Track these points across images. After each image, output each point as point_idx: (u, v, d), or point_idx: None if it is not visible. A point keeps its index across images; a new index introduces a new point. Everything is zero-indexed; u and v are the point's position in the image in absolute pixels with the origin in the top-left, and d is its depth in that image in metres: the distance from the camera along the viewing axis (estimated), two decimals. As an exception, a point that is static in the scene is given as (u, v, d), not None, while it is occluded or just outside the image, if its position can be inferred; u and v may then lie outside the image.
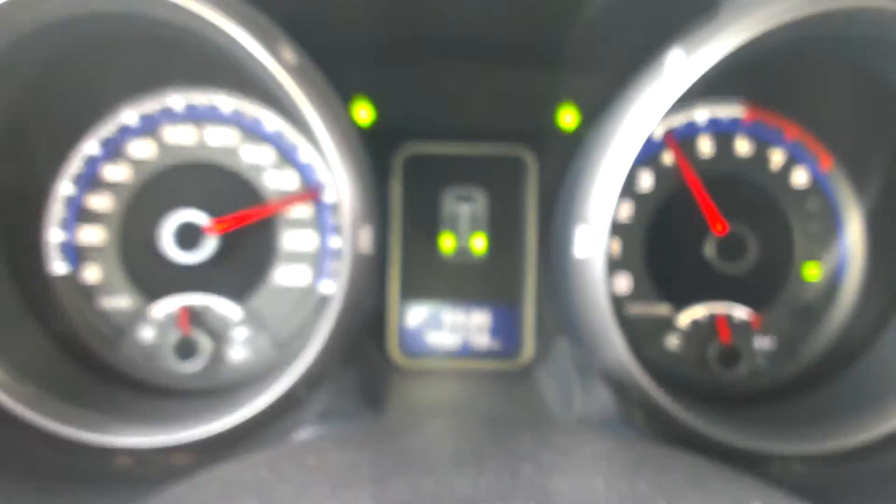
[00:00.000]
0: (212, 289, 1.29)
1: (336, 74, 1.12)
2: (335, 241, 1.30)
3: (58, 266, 1.27)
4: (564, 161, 1.33)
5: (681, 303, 1.33)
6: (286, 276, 1.31)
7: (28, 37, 1.03)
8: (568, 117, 1.36)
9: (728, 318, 1.31)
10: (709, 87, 1.02)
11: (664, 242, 1.32)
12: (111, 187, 1.28)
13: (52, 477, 1.05)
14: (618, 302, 1.32)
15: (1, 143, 1.15)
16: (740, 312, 1.32)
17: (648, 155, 1.32)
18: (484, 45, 1.33)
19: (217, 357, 1.28)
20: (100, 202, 1.28)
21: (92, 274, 1.28)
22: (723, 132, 1.33)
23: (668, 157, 1.32)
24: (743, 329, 1.31)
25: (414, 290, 1.40)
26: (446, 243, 1.40)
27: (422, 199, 1.41)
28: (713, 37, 0.98)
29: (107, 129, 1.27)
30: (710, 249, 1.30)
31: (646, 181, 1.32)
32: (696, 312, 1.32)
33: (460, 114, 1.41)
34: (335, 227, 1.30)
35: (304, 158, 1.30)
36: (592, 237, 1.05)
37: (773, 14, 0.95)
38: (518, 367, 1.40)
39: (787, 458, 1.08)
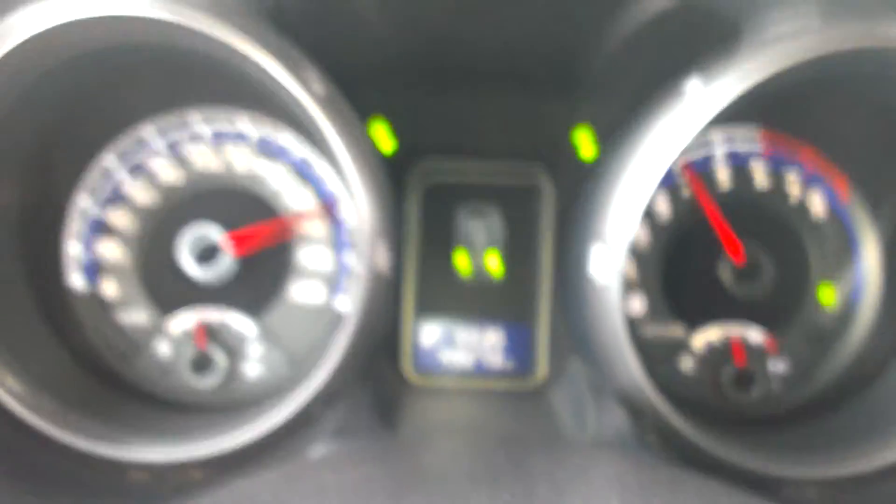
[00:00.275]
0: (228, 305, 1.30)
1: (357, 96, 1.13)
2: (350, 259, 1.31)
3: (76, 280, 1.28)
4: (580, 182, 1.33)
5: (695, 325, 1.32)
6: (302, 292, 1.31)
7: (62, 65, 1.06)
8: (583, 141, 1.37)
9: (743, 341, 1.31)
10: (725, 114, 1.03)
11: (680, 264, 1.32)
12: (129, 203, 1.29)
13: (67, 489, 1.06)
14: (632, 323, 1.32)
15: (24, 162, 1.17)
16: (755, 335, 1.31)
17: (666, 183, 1.32)
18: (501, 71, 1.34)
19: (232, 373, 1.28)
20: (118, 218, 1.29)
21: (110, 289, 1.29)
22: (741, 164, 1.33)
23: (685, 185, 1.32)
24: (758, 352, 1.31)
25: (428, 308, 1.41)
26: (461, 262, 1.41)
27: (438, 218, 1.42)
28: (733, 70, 0.99)
29: (125, 142, 1.29)
30: (725, 272, 1.30)
31: (663, 206, 1.33)
32: (710, 335, 1.32)
33: (477, 136, 1.42)
34: (351, 245, 1.31)
35: (319, 174, 1.31)
36: (608, 258, 1.05)
37: (796, 50, 0.96)
38: (532, 386, 1.40)
39: (800, 483, 1.07)
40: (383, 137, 1.37)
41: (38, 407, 1.08)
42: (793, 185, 1.33)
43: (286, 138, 1.30)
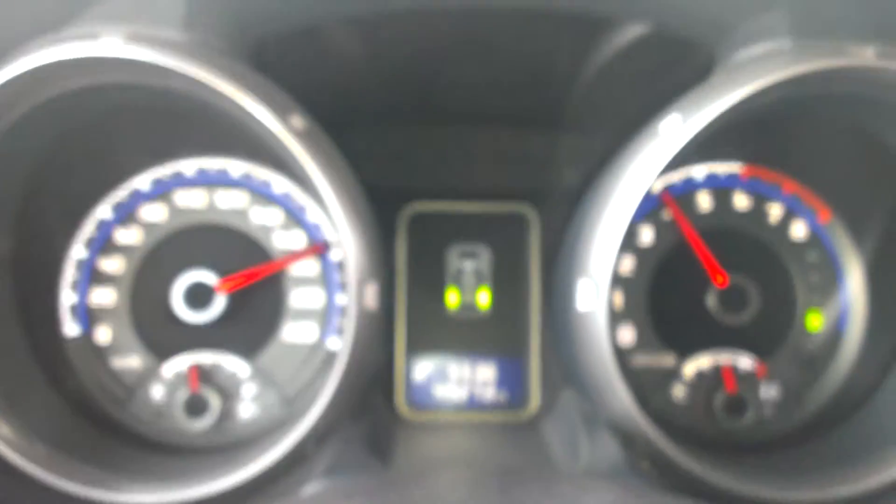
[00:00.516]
0: (221, 346, 1.30)
1: (343, 136, 1.15)
2: (342, 299, 1.32)
3: (70, 328, 1.29)
4: (566, 217, 1.35)
5: (685, 353, 1.33)
6: (294, 332, 1.32)
7: (44, 106, 1.07)
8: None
9: (733, 368, 1.32)
10: (706, 150, 1.03)
11: (667, 294, 1.34)
12: (123, 250, 1.31)
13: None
14: (622, 353, 1.33)
15: (16, 210, 1.18)
16: (745, 362, 1.32)
17: (648, 210, 1.34)
18: (485, 109, 1.37)
19: (226, 414, 1.28)
20: (112, 265, 1.30)
21: (104, 335, 1.30)
22: (721, 187, 1.35)
23: (667, 213, 1.34)
24: (748, 379, 1.32)
25: (420, 344, 1.42)
26: (451, 298, 1.42)
27: (427, 255, 1.43)
28: (705, 100, 1.01)
29: (119, 194, 1.31)
30: (712, 300, 1.31)
31: (646, 236, 1.34)
32: (701, 362, 1.33)
33: (463, 173, 1.45)
34: (341, 285, 1.33)
35: (311, 219, 1.33)
36: (594, 290, 1.06)
37: (762, 74, 0.97)
38: (524, 419, 1.41)
39: None
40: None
41: (31, 452, 1.08)
42: (773, 206, 1.35)
43: (280, 182, 1.32)
